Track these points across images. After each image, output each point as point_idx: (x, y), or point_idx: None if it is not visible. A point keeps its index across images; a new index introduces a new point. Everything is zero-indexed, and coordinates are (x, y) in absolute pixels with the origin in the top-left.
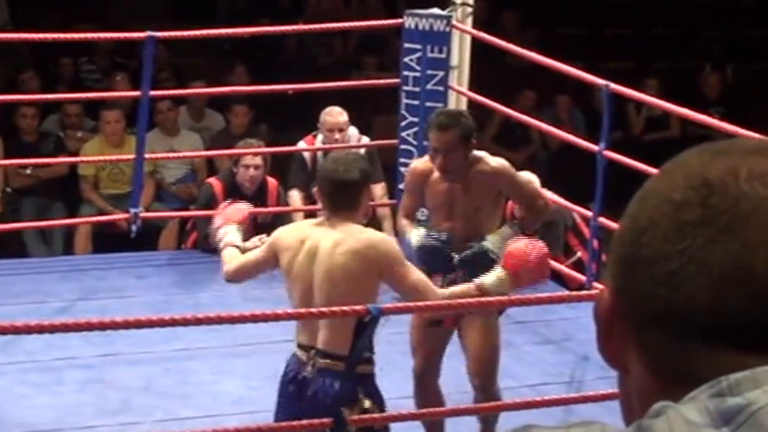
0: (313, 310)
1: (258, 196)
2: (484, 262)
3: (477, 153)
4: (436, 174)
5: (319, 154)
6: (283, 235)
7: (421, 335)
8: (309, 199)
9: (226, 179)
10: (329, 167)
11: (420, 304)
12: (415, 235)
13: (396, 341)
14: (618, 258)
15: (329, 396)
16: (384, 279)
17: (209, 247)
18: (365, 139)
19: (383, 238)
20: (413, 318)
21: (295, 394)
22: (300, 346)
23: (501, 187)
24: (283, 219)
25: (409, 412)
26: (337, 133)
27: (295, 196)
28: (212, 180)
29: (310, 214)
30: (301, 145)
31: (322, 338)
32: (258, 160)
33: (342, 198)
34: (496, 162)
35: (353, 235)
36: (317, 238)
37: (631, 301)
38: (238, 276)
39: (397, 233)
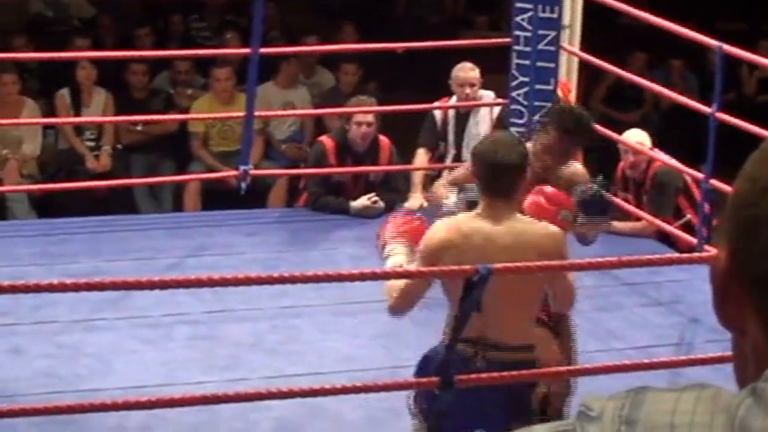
0: (425, 269)
1: (370, 154)
2: (602, 203)
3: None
4: None
5: (450, 114)
6: (438, 235)
7: None
8: (434, 159)
9: (337, 137)
10: (487, 148)
11: (532, 264)
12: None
13: None
14: (736, 219)
15: (525, 385)
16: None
17: (319, 207)
18: (495, 109)
19: (557, 232)
20: None
21: (469, 390)
22: (464, 341)
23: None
24: (395, 178)
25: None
26: (468, 88)
27: (421, 155)
28: (324, 138)
29: (431, 176)
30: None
31: (495, 329)
32: (370, 118)
33: (500, 183)
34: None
35: (539, 231)
36: (486, 232)
37: (750, 263)
38: (402, 308)
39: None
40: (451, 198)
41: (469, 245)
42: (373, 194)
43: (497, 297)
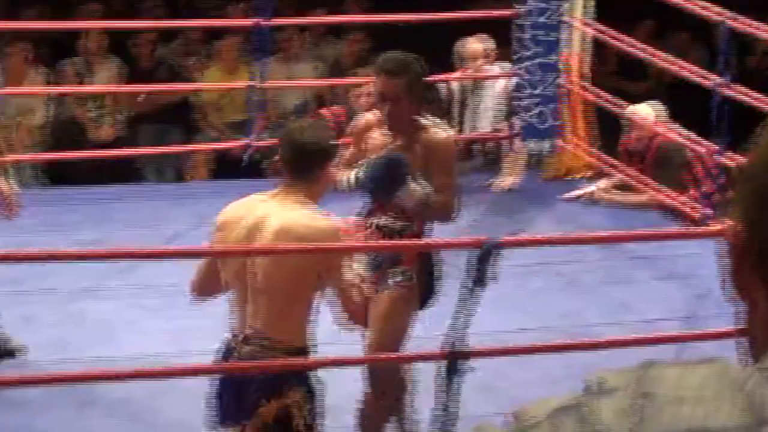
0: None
1: None
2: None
3: (429, 120)
4: (377, 131)
5: (454, 86)
6: (222, 213)
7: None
8: None
9: (343, 108)
10: (292, 129)
11: (539, 237)
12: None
13: None
14: (751, 191)
15: (253, 382)
16: (321, 270)
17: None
18: (501, 82)
19: (328, 227)
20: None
21: (222, 382)
22: (231, 332)
23: (434, 161)
24: None
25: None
26: (470, 62)
27: None
28: (325, 110)
29: None
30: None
31: (257, 321)
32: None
33: (301, 165)
34: (447, 135)
35: (299, 220)
36: (261, 214)
37: (764, 235)
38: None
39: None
40: (345, 178)
41: (237, 224)
42: None
43: (257, 285)
